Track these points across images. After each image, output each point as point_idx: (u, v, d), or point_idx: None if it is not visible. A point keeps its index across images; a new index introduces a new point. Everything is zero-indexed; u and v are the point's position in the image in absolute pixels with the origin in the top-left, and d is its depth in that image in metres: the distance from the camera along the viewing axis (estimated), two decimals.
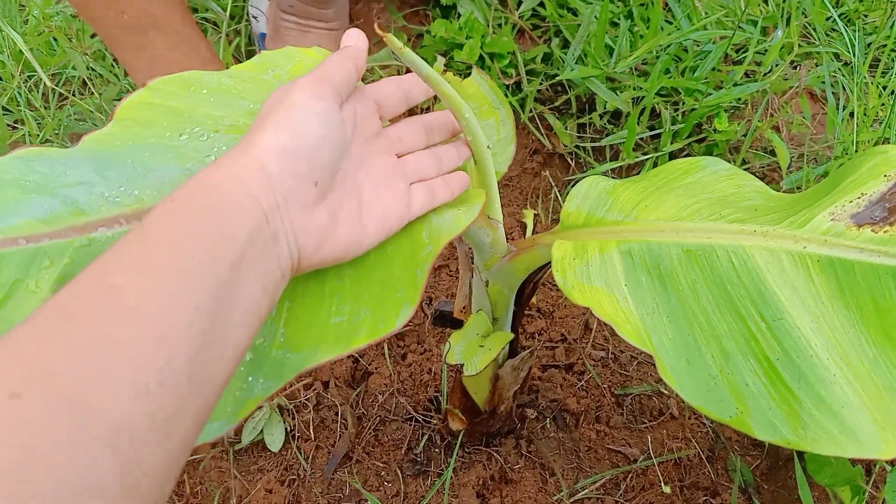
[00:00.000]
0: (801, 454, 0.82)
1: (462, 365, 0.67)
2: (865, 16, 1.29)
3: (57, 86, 1.16)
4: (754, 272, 0.56)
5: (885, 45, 1.24)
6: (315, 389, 0.98)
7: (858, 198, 0.59)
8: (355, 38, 0.54)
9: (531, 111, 1.16)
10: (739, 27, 1.24)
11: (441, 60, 0.78)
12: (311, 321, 0.46)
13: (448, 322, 0.78)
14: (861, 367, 0.54)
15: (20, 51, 1.14)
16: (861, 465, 0.78)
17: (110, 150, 0.53)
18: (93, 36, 1.23)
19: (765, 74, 1.13)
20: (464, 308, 0.80)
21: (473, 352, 0.67)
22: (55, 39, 1.21)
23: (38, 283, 0.44)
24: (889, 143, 1.08)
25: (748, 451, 0.92)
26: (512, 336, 0.73)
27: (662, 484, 0.90)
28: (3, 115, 1.13)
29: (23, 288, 0.43)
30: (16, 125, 1.13)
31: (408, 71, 0.54)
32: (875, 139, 1.04)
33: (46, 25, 1.19)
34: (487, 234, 0.66)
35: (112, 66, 1.20)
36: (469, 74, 0.76)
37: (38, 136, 1.10)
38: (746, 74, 1.18)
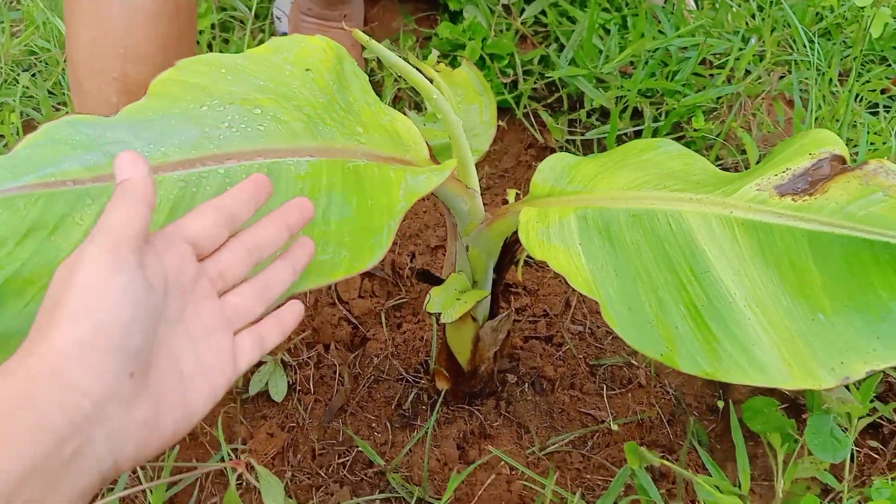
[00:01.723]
0: (711, 391, 0.89)
1: (440, 314, 0.75)
2: (843, 28, 1.36)
3: None
4: (688, 233, 0.65)
5: (857, 57, 1.31)
6: (317, 350, 1.07)
7: (784, 171, 0.67)
8: (132, 167, 0.47)
9: (526, 108, 1.24)
10: (725, 37, 1.32)
11: (435, 53, 0.87)
12: None
13: (430, 280, 0.87)
14: (776, 316, 0.62)
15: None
16: (793, 418, 0.85)
17: (143, 118, 0.62)
18: None
19: (742, 78, 1.21)
20: (449, 274, 0.88)
21: (450, 304, 0.76)
22: None
23: (83, 218, 0.53)
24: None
25: (705, 416, 1.00)
26: (486, 294, 0.81)
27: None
28: (49, 97, 1.24)
29: (69, 221, 0.52)
30: (59, 107, 1.23)
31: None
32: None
33: None
34: (465, 202, 0.75)
35: None
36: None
37: None
38: (729, 80, 1.26)
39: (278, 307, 0.54)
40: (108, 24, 0.79)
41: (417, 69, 0.81)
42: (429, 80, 0.80)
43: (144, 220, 0.44)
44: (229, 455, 0.94)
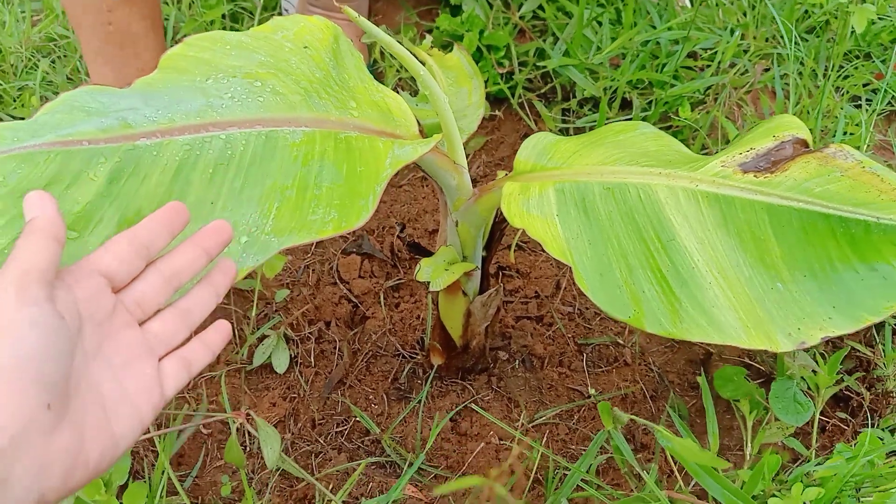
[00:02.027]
0: (692, 369, 0.93)
1: (429, 283, 0.80)
2: (830, 25, 1.40)
3: None
4: (656, 204, 0.69)
5: (833, 52, 1.35)
6: (318, 326, 1.12)
7: (748, 150, 0.72)
8: (40, 205, 0.47)
9: (521, 98, 1.29)
10: (717, 32, 1.36)
11: (428, 38, 0.92)
12: (292, 217, 0.60)
13: (421, 252, 0.91)
14: (736, 282, 0.66)
15: None
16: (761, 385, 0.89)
17: (153, 88, 0.67)
18: None
19: (727, 70, 1.25)
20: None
21: (439, 273, 0.81)
22: None
23: (96, 174, 0.58)
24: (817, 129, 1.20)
25: (687, 392, 1.04)
26: (473, 266, 0.85)
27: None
28: (67, 81, 1.30)
29: (84, 176, 0.57)
30: None
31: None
32: (810, 127, 1.16)
33: None
34: (453, 178, 0.79)
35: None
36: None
37: None
38: (717, 73, 1.30)
39: (205, 328, 0.55)
40: None
41: (412, 53, 0.86)
42: (421, 62, 0.85)
43: (52, 256, 0.44)
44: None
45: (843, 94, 1.27)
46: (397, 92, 0.87)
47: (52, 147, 0.56)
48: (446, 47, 1.32)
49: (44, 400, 0.40)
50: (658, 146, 0.79)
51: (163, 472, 0.81)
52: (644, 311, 0.65)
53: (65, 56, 1.35)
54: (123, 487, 0.77)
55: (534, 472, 0.93)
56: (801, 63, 1.31)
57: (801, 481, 0.68)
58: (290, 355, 1.08)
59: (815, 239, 0.67)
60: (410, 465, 0.96)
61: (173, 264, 0.52)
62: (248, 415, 0.72)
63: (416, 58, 0.83)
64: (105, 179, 0.58)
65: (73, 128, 0.59)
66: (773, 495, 0.68)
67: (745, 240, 0.67)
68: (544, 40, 1.37)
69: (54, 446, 0.40)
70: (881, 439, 0.76)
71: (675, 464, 0.82)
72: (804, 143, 0.73)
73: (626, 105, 1.25)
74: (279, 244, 0.57)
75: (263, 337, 1.08)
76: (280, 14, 1.43)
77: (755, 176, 0.70)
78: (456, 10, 1.40)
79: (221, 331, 0.55)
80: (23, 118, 1.25)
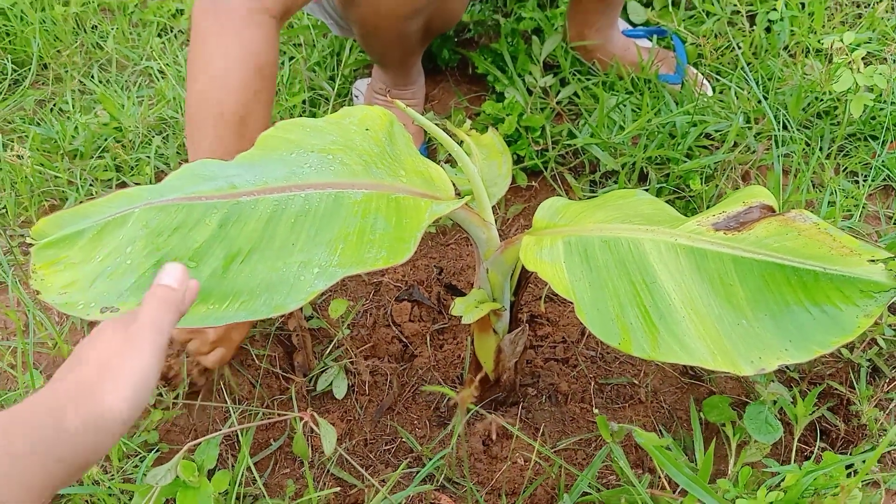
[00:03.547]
0: (699, 406, 1.04)
1: (461, 316, 0.95)
2: (836, 108, 1.53)
3: None
4: (642, 254, 0.83)
5: (850, 135, 1.48)
6: (373, 361, 1.28)
7: (720, 213, 0.86)
8: (176, 278, 0.62)
9: (553, 171, 1.45)
10: (731, 117, 1.51)
11: (468, 122, 1.10)
12: (354, 254, 0.76)
13: (456, 292, 1.07)
14: (707, 317, 0.79)
15: None
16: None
17: (252, 160, 0.86)
18: None
19: (732, 149, 1.40)
20: None
21: (470, 309, 0.96)
22: None
23: (210, 221, 0.75)
24: (807, 203, 1.32)
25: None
26: (500, 306, 1.00)
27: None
28: (177, 155, 1.53)
29: (202, 223, 0.75)
30: (183, 163, 1.52)
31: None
32: (802, 201, 1.28)
33: None
34: (483, 232, 0.95)
35: None
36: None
37: None
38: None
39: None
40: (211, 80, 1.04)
41: (451, 133, 1.04)
42: (460, 140, 1.02)
43: (171, 321, 0.60)
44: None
45: (843, 171, 1.39)
46: (449, 164, 1.04)
47: (180, 202, 0.75)
48: (492, 126, 1.51)
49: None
50: (652, 209, 0.94)
51: (244, 464, 0.97)
52: (630, 338, 0.79)
53: (174, 134, 1.58)
54: (211, 473, 0.93)
55: (554, 488, 1.06)
56: (807, 143, 1.44)
57: (767, 488, 0.79)
58: (348, 384, 1.24)
59: (774, 285, 0.80)
60: (448, 478, 1.09)
61: None
62: (312, 414, 0.88)
63: (457, 137, 1.01)
64: (217, 225, 0.75)
65: (194, 188, 0.78)
66: (742, 497, 0.79)
67: (715, 284, 0.81)
68: (577, 123, 1.54)
69: None
70: (849, 465, 0.86)
71: (669, 481, 0.93)
72: (770, 209, 0.87)
73: (644, 177, 1.40)
74: (342, 273, 0.74)
75: (326, 368, 1.24)
76: (351, 101, 1.65)
77: (725, 233, 0.84)
78: (500, 97, 1.59)
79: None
80: (138, 184, 1.47)
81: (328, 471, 1.12)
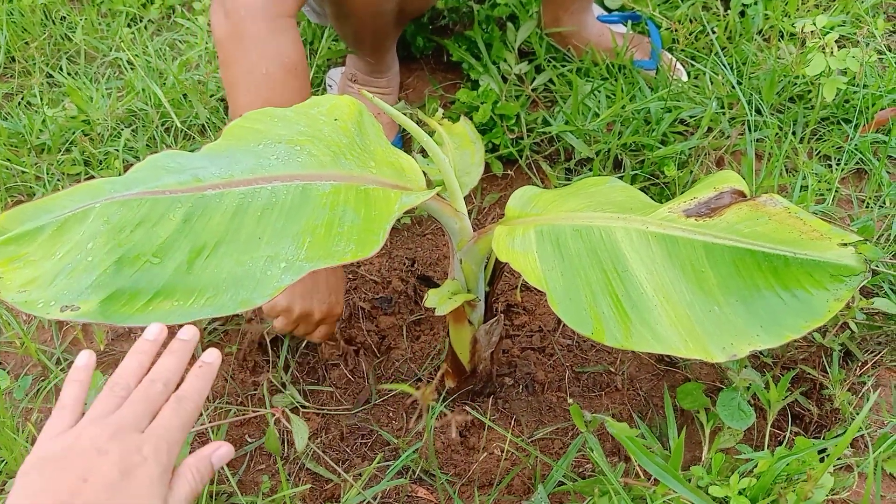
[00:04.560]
0: (673, 393, 1.05)
1: (435, 309, 0.95)
2: (809, 92, 1.54)
3: (186, 129, 1.54)
4: (615, 243, 0.83)
5: (822, 119, 1.48)
6: (348, 355, 1.27)
7: (692, 199, 0.86)
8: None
9: (528, 159, 1.45)
10: (705, 103, 1.51)
11: (441, 111, 1.09)
12: (322, 247, 0.75)
13: (430, 283, 1.06)
14: (679, 305, 0.79)
15: (160, 102, 1.53)
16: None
17: (218, 152, 0.84)
18: (212, 96, 1.60)
19: (706, 135, 1.40)
20: None
21: (444, 301, 0.95)
22: (185, 96, 1.59)
23: (174, 216, 0.74)
24: (780, 188, 1.33)
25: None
26: (475, 297, 1.00)
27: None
28: (146, 147, 1.50)
29: (165, 217, 0.74)
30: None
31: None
32: (774, 186, 1.29)
33: (180, 84, 1.58)
34: (455, 223, 0.95)
35: (223, 117, 1.57)
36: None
37: None
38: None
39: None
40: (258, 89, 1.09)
41: (423, 122, 1.03)
42: (432, 130, 1.01)
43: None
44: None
45: (816, 155, 1.40)
46: (423, 154, 1.03)
47: (143, 195, 0.73)
48: (467, 115, 1.50)
49: None
50: (624, 197, 0.93)
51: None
52: (603, 327, 0.79)
53: (143, 126, 1.56)
54: None
55: (530, 479, 1.06)
56: (780, 128, 1.45)
57: (740, 474, 0.79)
58: (324, 378, 1.23)
59: (745, 271, 0.80)
60: (424, 471, 1.09)
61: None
62: (283, 410, 0.87)
63: (429, 126, 1.00)
64: (181, 219, 0.74)
65: (157, 181, 0.76)
66: (714, 484, 0.79)
67: (686, 271, 0.81)
68: (552, 110, 1.54)
69: None
70: (822, 449, 0.87)
71: (644, 470, 0.93)
72: (741, 194, 0.87)
73: (619, 164, 1.40)
74: (310, 267, 0.73)
75: (301, 362, 1.23)
76: (324, 90, 1.63)
77: (696, 219, 0.83)
78: (475, 85, 1.58)
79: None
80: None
81: (304, 466, 1.11)
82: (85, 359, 0.69)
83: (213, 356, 0.71)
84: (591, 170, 1.40)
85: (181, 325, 0.72)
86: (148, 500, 0.58)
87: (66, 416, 0.63)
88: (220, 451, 0.68)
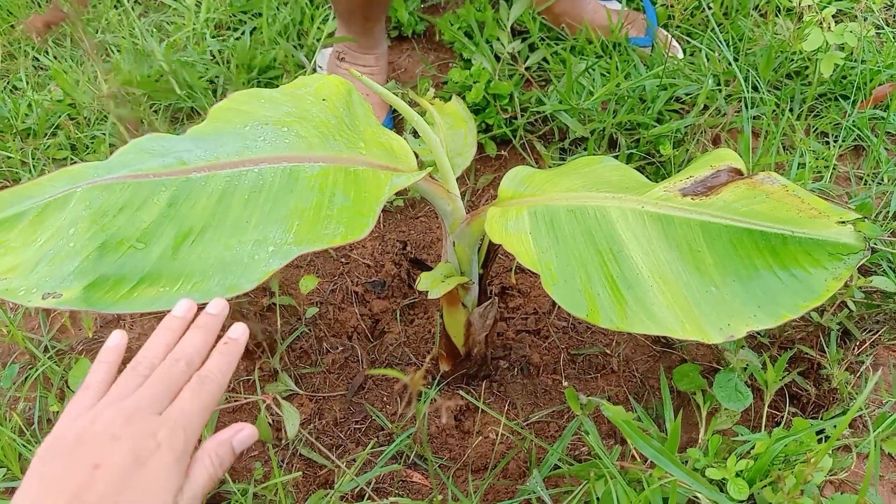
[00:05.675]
0: (670, 374, 1.04)
1: (428, 292, 0.93)
2: (807, 68, 1.52)
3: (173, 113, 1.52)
4: (610, 223, 0.82)
5: (819, 96, 1.47)
6: (341, 339, 1.26)
7: (688, 178, 0.84)
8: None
9: (522, 139, 1.43)
10: (701, 80, 1.49)
11: (432, 90, 1.07)
12: (310, 231, 0.74)
13: (422, 266, 1.05)
14: (675, 285, 0.78)
15: (147, 85, 1.51)
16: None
17: (203, 134, 0.83)
18: (200, 77, 1.58)
19: (702, 113, 1.38)
20: None
21: (436, 284, 0.94)
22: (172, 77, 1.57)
23: (159, 200, 0.73)
24: (777, 166, 1.31)
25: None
26: (468, 280, 0.99)
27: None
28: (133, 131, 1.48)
29: (150, 202, 0.72)
30: None
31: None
32: (771, 163, 1.27)
33: (168, 65, 1.56)
34: (448, 204, 0.93)
35: (212, 100, 1.54)
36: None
37: None
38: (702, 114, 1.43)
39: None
40: None
41: (414, 102, 1.01)
42: (424, 110, 1.00)
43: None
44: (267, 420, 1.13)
45: (813, 132, 1.38)
46: (414, 135, 1.01)
47: (125, 179, 0.72)
48: (460, 94, 1.48)
49: None
50: (619, 176, 0.92)
51: None
52: (598, 309, 0.77)
53: (130, 109, 1.54)
54: None
55: (525, 462, 1.05)
56: (777, 105, 1.43)
57: (737, 456, 0.78)
58: (318, 363, 1.22)
59: (742, 250, 0.79)
60: (419, 455, 1.08)
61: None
62: (274, 397, 0.86)
63: (420, 106, 0.98)
64: (166, 204, 0.73)
65: (141, 165, 0.75)
66: (711, 466, 0.78)
67: (683, 251, 0.80)
68: (546, 89, 1.52)
69: None
70: (820, 430, 0.86)
71: (640, 453, 0.93)
72: (738, 172, 0.86)
73: (615, 144, 1.38)
74: (298, 251, 0.71)
75: (295, 346, 1.22)
76: (314, 70, 1.61)
77: (692, 199, 0.82)
78: (468, 64, 1.55)
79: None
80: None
81: (297, 452, 1.11)
82: (117, 339, 0.65)
83: (239, 331, 0.67)
84: (585, 149, 1.39)
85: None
86: (160, 489, 0.55)
87: (89, 397, 0.60)
88: (241, 433, 0.63)
